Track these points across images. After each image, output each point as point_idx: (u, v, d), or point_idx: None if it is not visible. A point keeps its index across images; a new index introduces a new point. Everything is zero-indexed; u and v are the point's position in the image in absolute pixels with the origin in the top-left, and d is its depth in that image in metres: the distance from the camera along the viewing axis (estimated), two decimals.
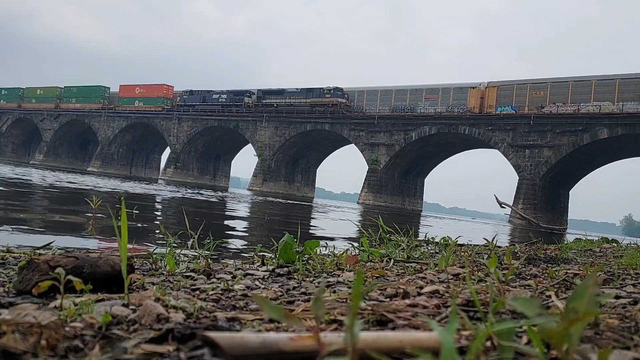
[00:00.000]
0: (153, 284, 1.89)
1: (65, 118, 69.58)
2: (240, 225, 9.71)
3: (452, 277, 2.28)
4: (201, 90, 60.72)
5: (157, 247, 3.06)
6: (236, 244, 5.47)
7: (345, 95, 50.72)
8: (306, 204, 28.86)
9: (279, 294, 1.77)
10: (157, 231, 5.42)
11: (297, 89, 53.79)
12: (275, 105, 53.89)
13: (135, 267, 2.19)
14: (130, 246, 2.26)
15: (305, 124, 51.97)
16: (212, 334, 0.85)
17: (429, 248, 4.58)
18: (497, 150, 43.42)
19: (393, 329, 1.18)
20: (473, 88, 44.18)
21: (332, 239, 7.16)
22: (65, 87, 72.79)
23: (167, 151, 63.06)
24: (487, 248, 4.64)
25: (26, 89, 76.18)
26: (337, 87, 51.06)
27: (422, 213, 44.84)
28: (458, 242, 4.63)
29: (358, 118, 48.95)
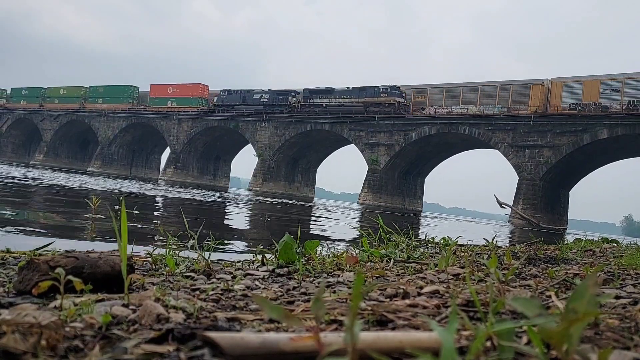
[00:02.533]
0: (153, 284, 1.89)
1: (65, 118, 69.56)
2: (240, 225, 9.71)
3: (452, 277, 2.28)
4: (241, 90, 58.24)
5: (156, 248, 3.06)
6: (236, 244, 5.47)
7: (403, 94, 47.97)
8: (306, 204, 28.87)
9: (279, 294, 1.77)
10: (157, 231, 5.42)
11: (347, 87, 51.19)
12: (324, 105, 51.28)
13: (135, 267, 2.19)
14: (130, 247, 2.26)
15: (305, 124, 51.94)
16: (212, 334, 0.85)
17: (429, 248, 4.58)
18: (497, 150, 43.45)
19: (393, 329, 1.18)
20: None
21: (332, 239, 7.16)
22: (90, 86, 70.65)
23: (167, 151, 63.04)
24: (487, 248, 4.64)
25: (48, 88, 74.29)
26: (394, 85, 48.09)
27: (422, 213, 44.83)
28: (458, 242, 4.63)
29: (358, 118, 48.91)
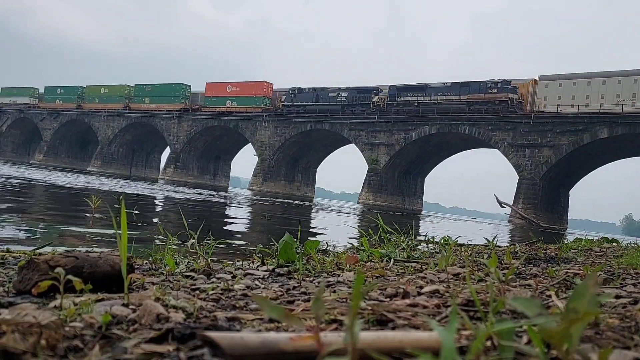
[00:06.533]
0: (153, 283, 1.89)
1: (65, 118, 69.54)
2: (240, 225, 9.71)
3: (452, 276, 2.28)
4: (314, 88, 52.84)
5: (156, 248, 3.06)
6: (236, 244, 5.47)
7: (517, 89, 42.20)
8: (306, 203, 28.86)
9: (279, 293, 1.77)
10: (158, 231, 5.42)
11: (444, 83, 45.52)
12: (416, 103, 45.79)
13: (135, 266, 2.19)
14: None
15: (305, 124, 51.89)
16: (212, 334, 0.85)
17: (429, 248, 4.57)
18: (497, 150, 43.44)
19: (393, 328, 1.18)
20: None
21: (332, 238, 7.16)
22: (136, 85, 65.77)
23: (167, 151, 62.91)
24: (487, 248, 4.63)
25: (87, 87, 69.85)
26: (506, 80, 42.29)
27: (422, 213, 44.83)
28: (458, 242, 4.63)
29: (358, 118, 48.82)
